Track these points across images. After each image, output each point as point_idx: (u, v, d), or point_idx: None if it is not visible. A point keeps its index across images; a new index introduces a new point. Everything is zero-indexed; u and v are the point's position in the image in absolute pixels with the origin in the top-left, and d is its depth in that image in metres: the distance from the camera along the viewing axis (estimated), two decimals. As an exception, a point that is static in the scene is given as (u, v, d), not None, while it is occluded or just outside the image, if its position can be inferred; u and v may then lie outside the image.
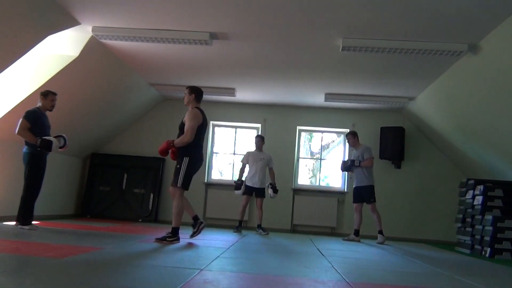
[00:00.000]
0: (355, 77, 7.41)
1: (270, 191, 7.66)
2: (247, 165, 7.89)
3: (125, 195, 9.13)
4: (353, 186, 7.67)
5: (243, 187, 7.68)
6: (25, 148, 5.56)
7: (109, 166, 9.35)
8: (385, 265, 4.68)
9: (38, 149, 5.47)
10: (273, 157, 8.08)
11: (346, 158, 7.92)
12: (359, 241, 7.36)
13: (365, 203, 7.48)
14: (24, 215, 5.52)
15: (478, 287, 3.51)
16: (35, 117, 5.50)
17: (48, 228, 6.05)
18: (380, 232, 7.35)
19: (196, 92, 5.34)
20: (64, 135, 5.84)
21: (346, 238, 7.63)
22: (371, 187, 7.38)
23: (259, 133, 9.50)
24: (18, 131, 5.43)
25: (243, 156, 8.12)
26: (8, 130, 6.31)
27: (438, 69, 6.60)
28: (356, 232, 7.51)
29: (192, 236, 5.49)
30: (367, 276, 3.81)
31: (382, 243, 7.23)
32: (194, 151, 5.20)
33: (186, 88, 5.40)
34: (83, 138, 8.64)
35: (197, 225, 5.47)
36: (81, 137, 8.51)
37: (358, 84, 7.75)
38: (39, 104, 5.67)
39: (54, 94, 5.72)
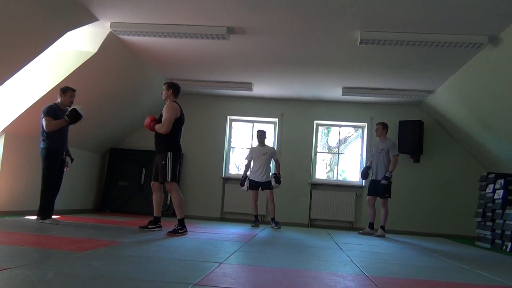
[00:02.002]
0: (373, 71, 7.35)
1: (272, 181, 7.70)
2: (252, 161, 7.94)
3: (143, 189, 9.20)
4: (371, 178, 7.57)
5: (246, 183, 7.79)
6: (42, 144, 5.60)
7: (128, 161, 9.45)
8: (404, 259, 4.65)
9: (70, 123, 5.54)
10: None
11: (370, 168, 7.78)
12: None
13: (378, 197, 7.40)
14: (44, 210, 5.59)
15: (499, 281, 3.46)
16: (53, 112, 5.55)
17: (68, 222, 6.14)
18: (382, 227, 7.29)
19: (174, 88, 5.49)
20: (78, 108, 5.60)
21: (361, 232, 7.58)
22: (389, 184, 7.30)
23: (276, 128, 9.51)
24: (47, 128, 5.49)
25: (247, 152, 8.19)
26: (28, 126, 6.41)
27: (458, 62, 6.50)
28: (371, 226, 7.45)
29: (141, 227, 5.51)
30: (386, 270, 3.79)
31: (381, 236, 7.17)
32: (175, 145, 5.36)
33: (164, 84, 5.55)
34: (102, 133, 8.74)
35: (156, 224, 5.49)
36: (99, 132, 8.60)
37: (376, 77, 7.68)
38: (58, 100, 5.72)
39: (73, 90, 5.76)
